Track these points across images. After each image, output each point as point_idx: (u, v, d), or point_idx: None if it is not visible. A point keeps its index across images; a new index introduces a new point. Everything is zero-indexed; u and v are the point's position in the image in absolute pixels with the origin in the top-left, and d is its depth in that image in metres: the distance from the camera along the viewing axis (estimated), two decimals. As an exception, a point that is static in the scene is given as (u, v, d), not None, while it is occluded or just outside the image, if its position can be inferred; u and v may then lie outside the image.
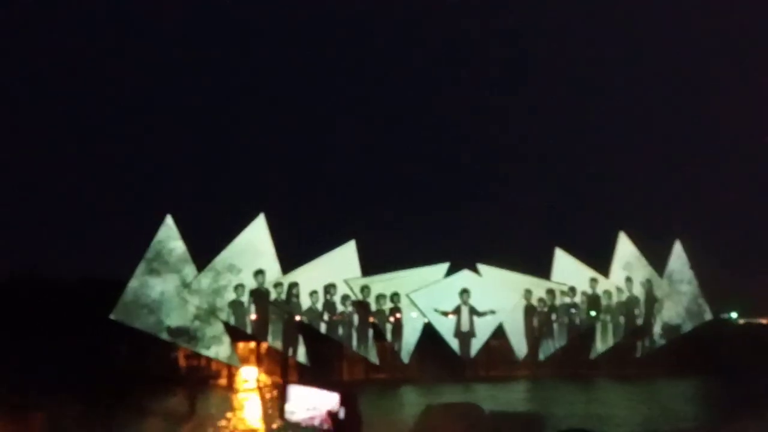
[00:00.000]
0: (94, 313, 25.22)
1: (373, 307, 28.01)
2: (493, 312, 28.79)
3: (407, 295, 28.24)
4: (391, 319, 28.09)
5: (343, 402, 5.60)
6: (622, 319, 30.44)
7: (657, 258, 31.51)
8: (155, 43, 62.53)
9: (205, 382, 25.58)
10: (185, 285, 26.12)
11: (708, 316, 32.05)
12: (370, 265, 28.45)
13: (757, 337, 34.28)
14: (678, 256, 31.80)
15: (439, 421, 14.57)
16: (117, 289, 26.07)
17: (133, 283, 25.99)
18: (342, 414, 5.53)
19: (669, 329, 31.06)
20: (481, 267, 29.26)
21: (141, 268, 26.10)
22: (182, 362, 26.69)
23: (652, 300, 30.80)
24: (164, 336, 25.96)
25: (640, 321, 30.68)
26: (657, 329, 30.98)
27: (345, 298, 27.70)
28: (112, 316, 25.36)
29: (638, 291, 30.69)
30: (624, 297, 30.47)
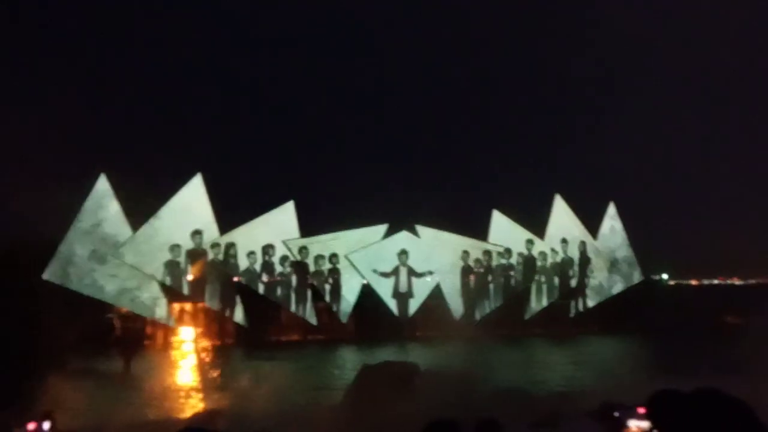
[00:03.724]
0: (27, 274, 24.75)
1: (312, 267, 28.04)
2: (430, 273, 29.08)
3: (346, 256, 28.32)
4: (330, 279, 28.17)
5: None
6: (556, 280, 31.03)
7: (591, 220, 32.12)
8: None
9: (140, 343, 25.37)
10: (120, 245, 25.73)
11: (639, 277, 32.81)
12: (309, 226, 28.48)
13: (686, 298, 35.23)
14: (611, 219, 32.42)
15: (376, 380, 14.80)
16: (50, 249, 25.58)
17: (66, 244, 25.48)
18: None
19: (601, 290, 31.76)
20: (419, 228, 29.46)
21: (74, 228, 25.60)
22: (117, 323, 26.36)
23: (585, 261, 31.42)
24: (98, 296, 25.60)
25: (574, 282, 31.31)
26: (590, 290, 31.66)
27: (283, 258, 27.66)
28: (44, 276, 24.91)
29: (573, 252, 31.27)
30: (559, 258, 31.03)
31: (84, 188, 26.08)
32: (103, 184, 25.96)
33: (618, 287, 32.11)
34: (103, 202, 25.89)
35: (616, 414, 4.63)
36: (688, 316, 28.87)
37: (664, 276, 40.30)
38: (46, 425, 5.64)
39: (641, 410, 4.39)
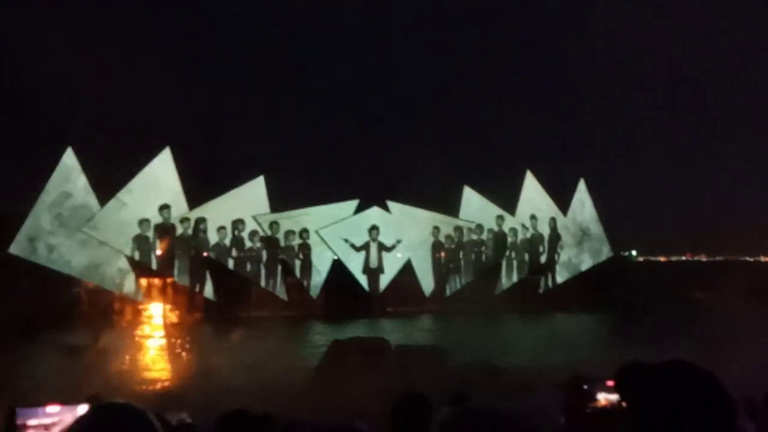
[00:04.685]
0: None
1: (282, 243, 27.93)
2: (399, 242, 29.06)
3: (316, 232, 28.23)
4: (300, 255, 28.09)
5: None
6: (526, 256, 31.22)
7: (562, 197, 32.32)
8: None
9: (108, 318, 25.11)
10: (87, 219, 25.37)
11: (609, 253, 33.12)
12: (280, 201, 28.31)
13: (654, 274, 35.67)
14: (581, 195, 32.64)
15: (346, 355, 14.83)
16: (16, 223, 25.18)
17: (33, 217, 25.05)
18: None
19: (571, 266, 32.02)
20: (390, 204, 29.43)
21: (40, 201, 25.16)
22: (85, 297, 26.07)
23: (555, 237, 31.62)
24: (65, 271, 25.29)
25: (543, 258, 31.51)
26: (559, 266, 31.90)
27: (253, 234, 27.51)
28: (10, 250, 24.54)
29: (543, 229, 31.45)
30: (529, 234, 31.19)
31: (50, 161, 25.69)
32: (69, 158, 25.50)
33: (587, 263, 32.36)
34: (70, 175, 25.45)
35: (585, 386, 4.63)
36: (656, 292, 29.22)
37: (633, 252, 40.84)
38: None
39: (610, 383, 4.39)
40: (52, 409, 5.52)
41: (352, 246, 28.54)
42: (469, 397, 5.14)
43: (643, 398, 2.17)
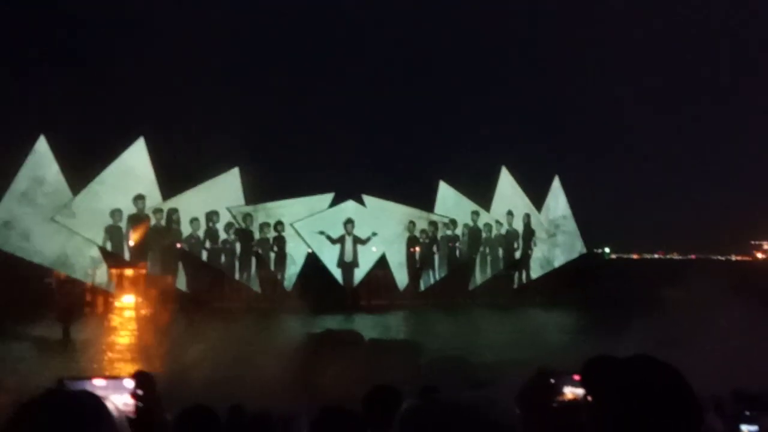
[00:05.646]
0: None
1: (257, 235, 27.85)
2: (374, 234, 29.08)
3: (291, 225, 28.16)
4: (275, 248, 28.01)
5: (140, 385, 5.45)
6: (501, 252, 31.37)
7: (536, 193, 32.52)
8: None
9: (79, 309, 24.83)
10: (59, 209, 25.08)
11: (582, 250, 33.37)
12: (254, 194, 28.20)
13: (625, 271, 35.98)
14: (556, 192, 32.85)
15: (319, 348, 14.82)
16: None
17: (3, 206, 24.72)
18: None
19: (544, 262, 32.23)
20: (365, 198, 29.44)
21: (12, 190, 24.85)
22: (56, 288, 25.76)
23: (529, 234, 31.80)
24: (37, 260, 25.01)
25: (518, 254, 31.68)
26: (533, 262, 32.10)
27: (228, 226, 27.40)
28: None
29: (517, 225, 31.61)
30: (504, 230, 31.35)
31: (22, 150, 25.37)
32: (42, 146, 25.21)
33: (561, 260, 32.57)
34: (43, 164, 25.17)
35: (552, 380, 4.67)
36: (628, 289, 29.43)
37: (606, 249, 41.20)
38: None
39: (576, 377, 4.42)
40: (99, 382, 5.54)
41: (328, 238, 28.50)
42: (436, 390, 5.16)
43: (608, 392, 2.18)
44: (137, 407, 5.30)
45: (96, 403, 1.89)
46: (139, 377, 5.53)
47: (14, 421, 1.82)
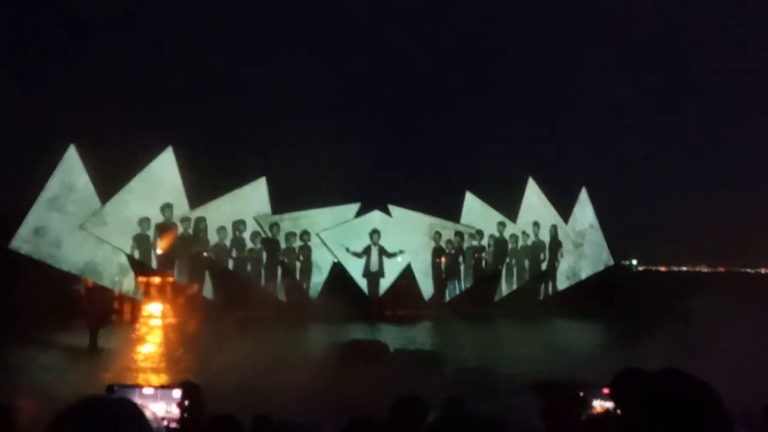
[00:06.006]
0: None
1: (283, 245, 27.94)
2: (401, 252, 29.08)
3: (317, 234, 28.23)
4: (300, 257, 28.08)
5: (186, 395, 5.48)
6: (527, 263, 31.21)
7: (564, 204, 32.33)
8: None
9: (107, 316, 25.04)
10: (88, 217, 25.34)
11: (609, 262, 33.10)
12: (281, 203, 28.31)
13: (653, 284, 35.58)
14: (583, 203, 32.63)
15: (345, 358, 14.80)
16: (17, 219, 25.15)
17: (34, 214, 25.04)
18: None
19: (571, 273, 32.00)
20: (391, 208, 29.43)
21: (42, 198, 25.15)
22: (84, 296, 26.00)
23: (556, 245, 31.61)
24: (66, 268, 25.27)
25: (544, 265, 31.49)
26: (560, 273, 31.88)
27: (254, 235, 27.53)
28: (11, 246, 24.51)
29: (544, 236, 31.44)
30: (530, 241, 31.19)
31: (53, 158, 25.69)
32: (71, 155, 25.52)
33: (587, 271, 32.34)
34: (72, 172, 25.45)
35: (581, 393, 4.64)
36: (656, 301, 29.12)
37: (634, 261, 40.81)
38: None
39: (606, 390, 4.38)
40: (147, 390, 5.61)
41: (354, 253, 28.54)
42: (461, 402, 5.13)
43: (637, 406, 2.16)
44: (182, 417, 5.34)
45: (132, 410, 1.92)
46: (185, 388, 5.57)
47: (53, 427, 1.84)
